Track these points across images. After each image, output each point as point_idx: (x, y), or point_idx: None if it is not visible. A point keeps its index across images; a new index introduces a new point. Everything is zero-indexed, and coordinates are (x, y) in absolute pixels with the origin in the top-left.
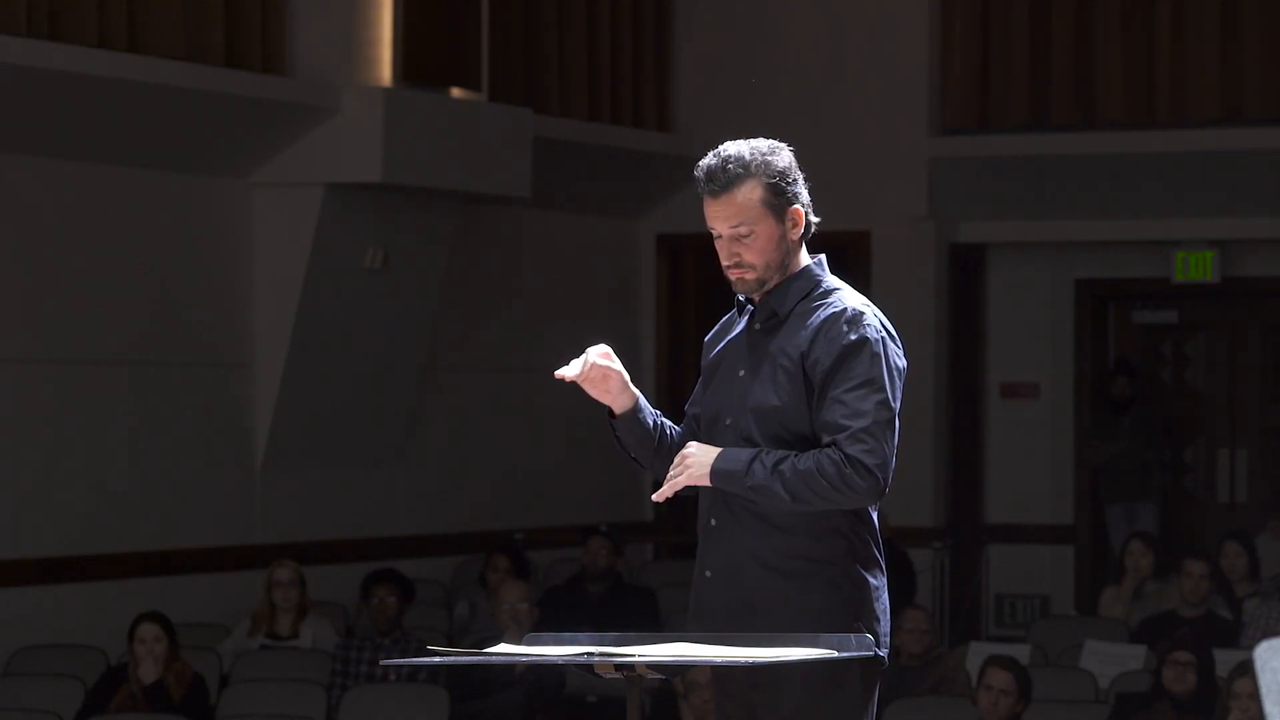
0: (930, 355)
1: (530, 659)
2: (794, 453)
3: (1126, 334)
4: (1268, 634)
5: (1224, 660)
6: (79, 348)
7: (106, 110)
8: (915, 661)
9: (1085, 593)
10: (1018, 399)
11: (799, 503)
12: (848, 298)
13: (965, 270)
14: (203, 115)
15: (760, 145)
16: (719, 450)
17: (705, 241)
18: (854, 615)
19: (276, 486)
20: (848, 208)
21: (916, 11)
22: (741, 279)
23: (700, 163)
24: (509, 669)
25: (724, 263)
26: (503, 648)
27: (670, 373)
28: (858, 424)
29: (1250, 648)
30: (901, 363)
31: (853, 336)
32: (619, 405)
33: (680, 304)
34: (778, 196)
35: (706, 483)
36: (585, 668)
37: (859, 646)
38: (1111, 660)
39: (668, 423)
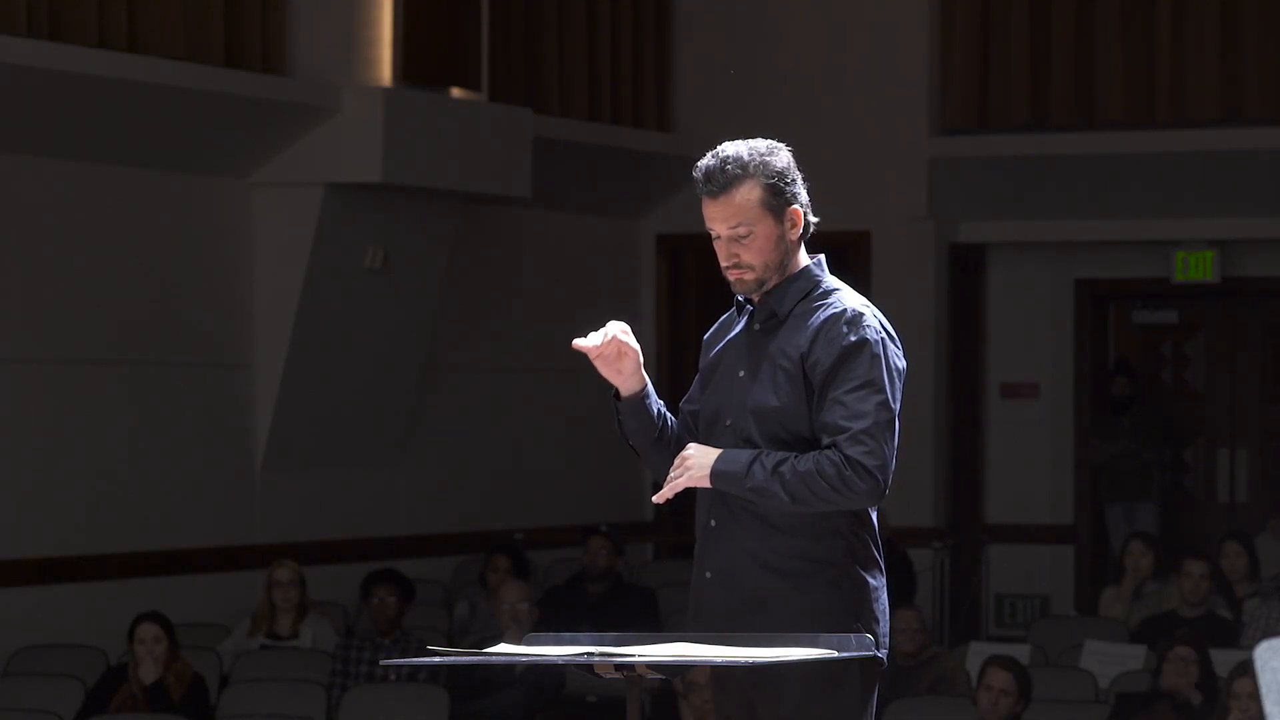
0: (930, 355)
1: (530, 659)
2: (794, 454)
3: (1126, 334)
4: (1268, 634)
5: (1224, 660)
6: (79, 348)
7: (106, 110)
8: (909, 661)
9: (1085, 593)
10: (1018, 399)
11: (799, 504)
12: (847, 298)
13: (965, 270)
14: (203, 115)
15: (759, 145)
16: (719, 451)
17: (705, 241)
18: (853, 615)
19: (276, 486)
20: (848, 208)
21: (916, 12)
22: (740, 279)
23: (699, 163)
24: (509, 669)
25: (723, 263)
26: (503, 648)
27: (670, 372)
28: (858, 425)
29: (1250, 648)
30: (901, 363)
31: (853, 337)
32: (628, 388)
33: (680, 304)
34: (776, 197)
35: (706, 484)
36: (585, 668)
37: (858, 647)
38: (1111, 660)
39: (670, 415)
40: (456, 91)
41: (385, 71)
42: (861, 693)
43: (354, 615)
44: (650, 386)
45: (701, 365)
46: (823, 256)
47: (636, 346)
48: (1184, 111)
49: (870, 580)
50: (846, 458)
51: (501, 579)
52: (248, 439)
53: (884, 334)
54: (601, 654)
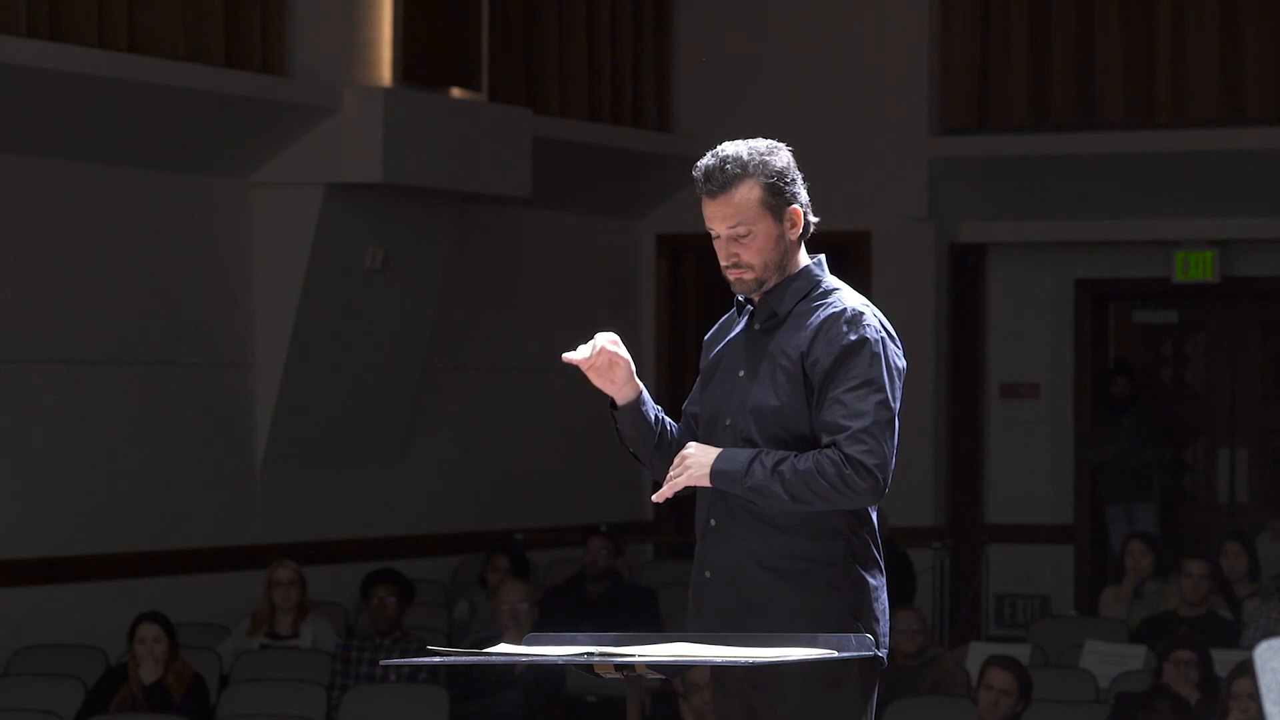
0: (930, 355)
1: (530, 659)
2: (794, 453)
3: (1126, 334)
4: (1268, 634)
5: (1224, 660)
6: (79, 348)
7: (106, 110)
8: (910, 662)
9: (1085, 593)
10: (1018, 399)
11: (799, 503)
12: (847, 298)
13: (965, 270)
14: (203, 115)
15: (758, 145)
16: (719, 450)
17: (705, 241)
18: (853, 615)
19: (276, 486)
20: (848, 208)
21: (916, 11)
22: (740, 279)
23: (698, 163)
24: (509, 669)
25: (722, 263)
26: (503, 648)
27: (670, 372)
28: (857, 424)
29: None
30: (901, 363)
31: (852, 337)
32: (622, 396)
33: (680, 304)
34: (775, 196)
35: (706, 483)
36: (585, 668)
37: (858, 646)
38: (1111, 660)
39: (668, 420)
40: (456, 91)
41: (385, 71)
42: (861, 692)
43: (354, 615)
44: (645, 393)
45: (702, 366)
46: (823, 256)
47: (627, 355)
48: (1184, 111)
49: (870, 580)
50: (846, 456)
51: (501, 579)
52: (248, 439)
53: (884, 333)
54: (601, 654)
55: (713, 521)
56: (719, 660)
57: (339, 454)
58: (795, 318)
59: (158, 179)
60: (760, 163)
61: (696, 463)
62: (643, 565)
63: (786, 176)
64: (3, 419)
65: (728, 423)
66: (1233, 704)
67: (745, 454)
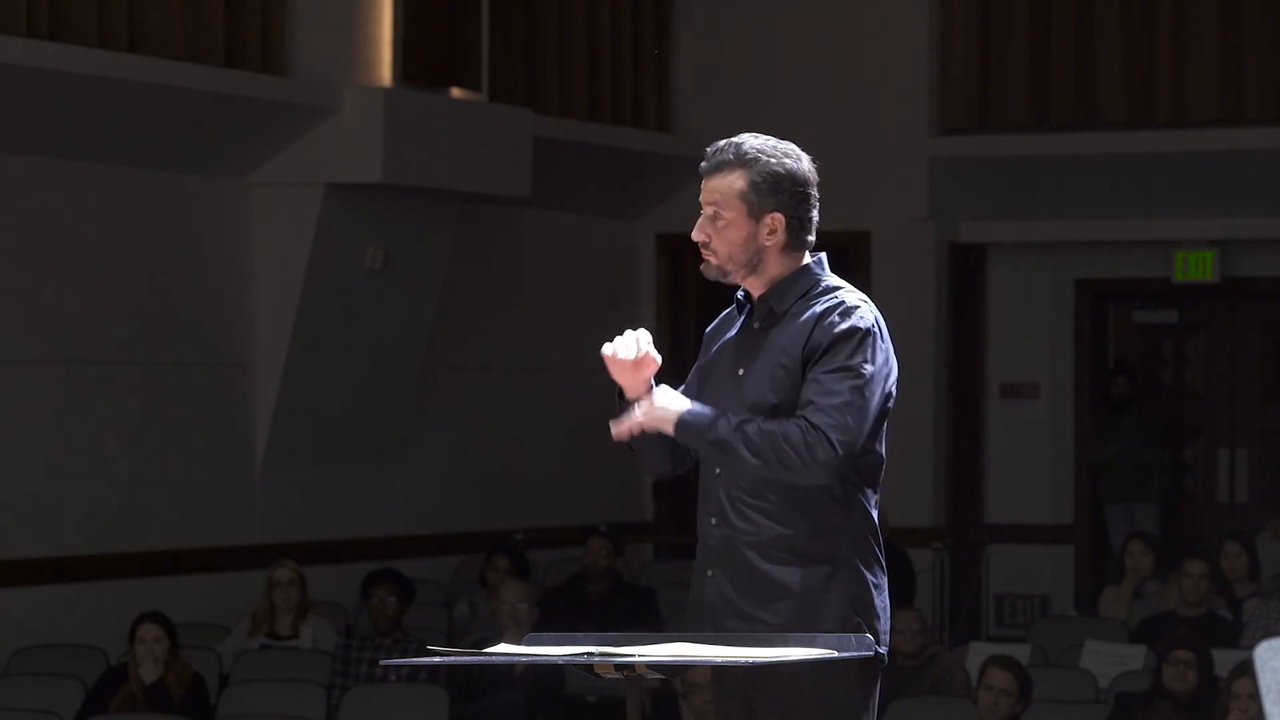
0: (930, 355)
1: (530, 659)
2: (760, 417)
3: (1126, 334)
4: (1268, 634)
5: (1224, 660)
6: (79, 348)
7: (106, 110)
8: (910, 661)
9: (1085, 593)
10: (1018, 399)
11: (760, 462)
12: (847, 295)
13: (965, 270)
14: (203, 115)
15: (770, 144)
16: (689, 403)
17: None
18: (854, 613)
19: (276, 486)
20: (848, 208)
21: (916, 12)
22: (706, 262)
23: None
24: (509, 669)
25: (695, 237)
26: (503, 648)
27: (670, 372)
28: (828, 400)
29: (1250, 648)
30: (889, 358)
31: (844, 325)
32: (637, 393)
33: (680, 304)
34: (758, 196)
35: (669, 429)
36: (585, 668)
37: (858, 645)
38: (1111, 660)
39: None
40: (456, 91)
41: (385, 71)
42: (862, 691)
43: (354, 615)
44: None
45: (701, 360)
46: (823, 255)
47: (658, 356)
48: (1184, 111)
49: (871, 578)
50: (812, 424)
51: (501, 579)
52: (247, 439)
53: (876, 327)
54: (601, 654)
55: (713, 520)
56: (719, 660)
57: (339, 454)
58: (795, 316)
59: (158, 179)
60: (758, 159)
61: (664, 407)
62: (643, 565)
63: (780, 184)
64: (3, 419)
65: None
66: (1233, 704)
67: (713, 410)
